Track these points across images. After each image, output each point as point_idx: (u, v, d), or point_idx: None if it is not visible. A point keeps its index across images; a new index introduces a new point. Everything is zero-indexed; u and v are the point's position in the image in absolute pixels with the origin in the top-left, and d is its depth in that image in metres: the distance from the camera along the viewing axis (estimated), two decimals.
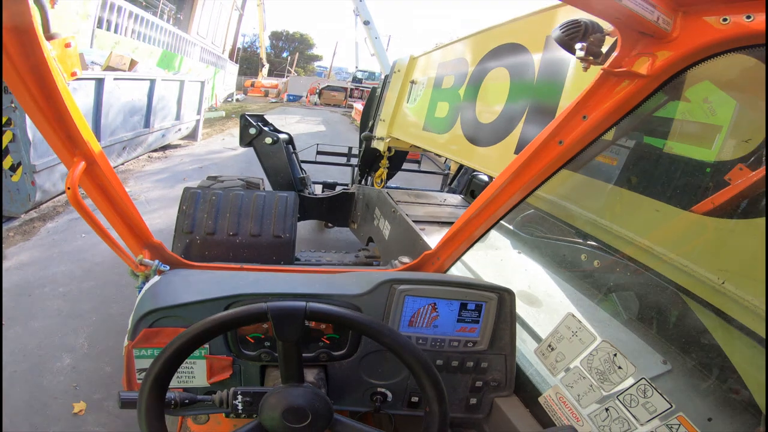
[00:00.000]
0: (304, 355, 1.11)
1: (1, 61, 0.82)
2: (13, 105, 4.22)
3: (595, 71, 0.86)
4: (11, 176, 4.53)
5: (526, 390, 1.30)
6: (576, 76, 1.53)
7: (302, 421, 0.82)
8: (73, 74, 1.02)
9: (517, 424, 1.21)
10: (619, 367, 0.99)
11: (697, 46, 0.71)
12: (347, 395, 1.24)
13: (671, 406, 0.91)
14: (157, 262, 1.36)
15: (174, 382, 1.11)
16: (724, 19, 0.66)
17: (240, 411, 0.89)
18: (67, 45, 0.95)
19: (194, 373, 1.15)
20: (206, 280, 1.26)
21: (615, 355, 1.00)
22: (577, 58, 0.81)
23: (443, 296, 1.21)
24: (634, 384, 0.95)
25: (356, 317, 0.85)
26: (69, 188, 1.04)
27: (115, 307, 3.33)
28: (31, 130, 4.39)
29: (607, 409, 1.02)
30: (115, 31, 10.73)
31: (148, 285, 1.27)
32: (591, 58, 0.80)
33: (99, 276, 3.75)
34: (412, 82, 3.19)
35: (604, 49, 0.80)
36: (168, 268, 1.38)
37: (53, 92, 0.93)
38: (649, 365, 1.14)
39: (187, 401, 0.91)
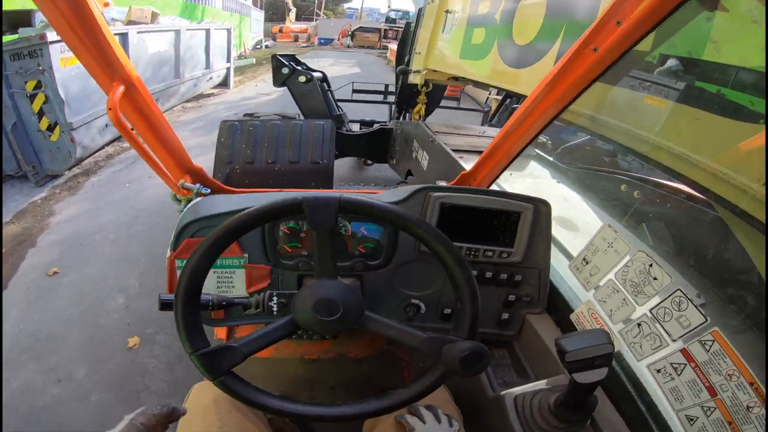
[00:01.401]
0: (340, 264, 1.12)
1: None
2: (41, 68, 4.30)
3: None
4: (50, 136, 4.69)
5: (557, 308, 1.31)
6: None
7: (333, 314, 0.80)
8: (106, 4, 1.06)
9: (548, 342, 1.23)
10: (654, 278, 0.98)
11: None
12: (382, 306, 1.28)
13: (706, 320, 0.89)
14: (198, 185, 1.42)
15: (214, 291, 1.19)
16: None
17: (275, 312, 0.92)
18: None
19: (234, 282, 1.20)
20: (245, 197, 1.31)
21: (651, 265, 0.99)
22: None
23: (477, 205, 1.21)
24: (669, 296, 0.94)
25: (388, 207, 0.82)
26: (110, 109, 1.08)
27: (162, 248, 3.44)
28: (63, 89, 4.49)
29: (639, 324, 1.02)
30: None
31: (190, 204, 1.32)
32: None
33: (145, 221, 3.94)
34: (447, 11, 3.07)
35: None
36: (209, 191, 1.44)
37: (90, 20, 0.96)
38: None
39: (224, 303, 0.95)
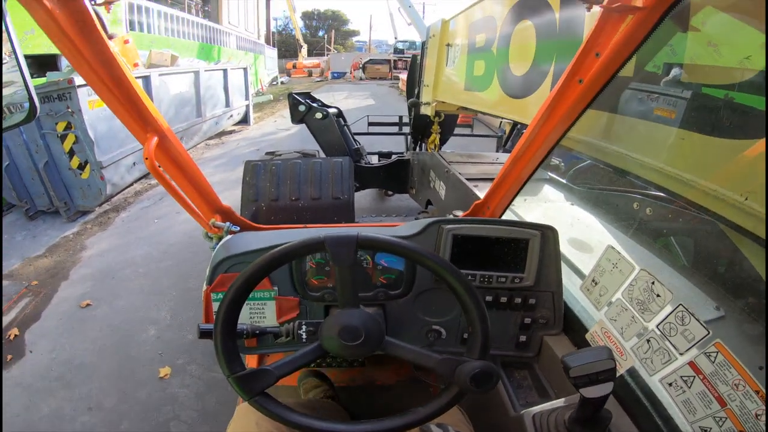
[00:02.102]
0: (362, 295, 1.21)
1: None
2: (70, 110, 4.55)
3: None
4: (81, 174, 4.94)
5: (574, 329, 1.35)
6: (591, 23, 1.51)
7: (356, 340, 0.87)
8: (135, 65, 1.20)
9: None
10: (658, 295, 1.03)
11: None
12: (404, 333, 1.35)
13: (708, 333, 0.93)
14: (228, 224, 1.52)
15: (247, 321, 1.26)
16: None
17: (304, 340, 1.01)
18: (126, 42, 1.12)
19: (265, 313, 1.29)
20: (274, 234, 1.40)
21: (653, 283, 1.04)
22: (578, 0, 0.86)
23: (487, 234, 1.28)
24: (672, 311, 0.98)
25: (401, 243, 0.90)
26: (147, 158, 1.19)
27: (192, 281, 3.59)
28: (92, 130, 4.73)
29: (648, 341, 1.06)
30: (149, 31, 11.11)
31: (221, 242, 1.42)
32: None
33: (175, 255, 4.06)
34: (448, 45, 3.19)
35: None
36: (238, 228, 1.53)
37: (123, 80, 1.07)
38: (701, 312, 1.15)
39: (257, 332, 1.03)
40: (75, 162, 4.89)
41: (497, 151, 4.89)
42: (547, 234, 1.30)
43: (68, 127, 4.69)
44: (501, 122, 6.63)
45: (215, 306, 1.26)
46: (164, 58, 7.89)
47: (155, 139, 1.21)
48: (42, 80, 4.92)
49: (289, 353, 0.93)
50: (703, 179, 1.14)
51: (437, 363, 0.90)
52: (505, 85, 2.27)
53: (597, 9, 0.89)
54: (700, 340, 0.94)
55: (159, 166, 1.25)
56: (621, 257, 1.13)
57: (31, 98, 0.89)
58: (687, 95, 1.22)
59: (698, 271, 1.31)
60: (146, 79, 6.09)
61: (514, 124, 4.36)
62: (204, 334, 0.98)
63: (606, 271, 1.18)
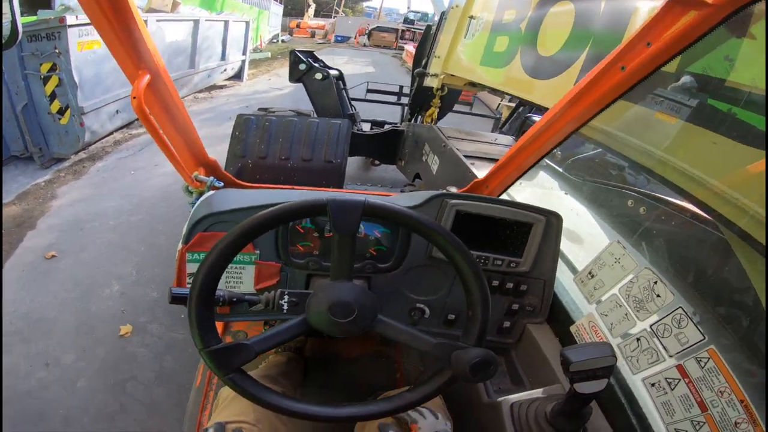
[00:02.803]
0: None
1: None
2: (57, 51, 4.31)
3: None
4: (60, 119, 4.71)
5: (558, 319, 1.34)
6: (641, 13, 1.45)
7: (348, 317, 0.81)
8: None
9: (546, 351, 1.26)
10: (658, 295, 1.01)
11: None
12: (387, 308, 1.29)
13: (704, 338, 0.92)
14: (212, 178, 1.42)
15: (222, 286, 1.21)
16: None
17: (285, 311, 0.90)
18: None
19: (242, 278, 1.20)
20: (260, 193, 1.31)
21: (656, 282, 1.02)
22: None
23: (492, 214, 1.23)
24: (670, 313, 0.97)
25: (414, 214, 0.84)
26: (134, 98, 1.07)
27: (163, 238, 3.49)
28: (77, 73, 4.50)
29: (638, 339, 1.05)
30: None
31: (203, 197, 1.32)
32: None
33: (147, 210, 3.93)
34: (471, 17, 3.07)
35: None
36: (222, 184, 1.43)
37: (123, 5, 0.95)
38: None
39: (234, 299, 0.93)
40: (55, 106, 4.65)
41: (492, 132, 4.85)
42: (552, 220, 1.26)
43: (53, 68, 4.44)
44: (499, 104, 6.59)
45: (190, 267, 1.16)
46: (165, 3, 7.46)
47: (147, 78, 1.09)
48: (32, 18, 4.61)
49: (260, 323, 0.85)
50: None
51: (433, 347, 0.85)
52: (527, 65, 2.19)
53: (649, 7, 0.86)
54: (693, 345, 0.93)
55: (147, 109, 1.14)
56: (626, 253, 1.11)
57: (14, 21, 0.82)
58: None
59: (681, 275, 1.30)
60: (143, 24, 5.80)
61: (516, 107, 4.32)
62: (177, 299, 0.87)
63: (606, 265, 1.16)
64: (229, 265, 1.09)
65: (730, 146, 1.15)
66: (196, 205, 1.27)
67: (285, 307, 0.90)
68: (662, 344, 0.99)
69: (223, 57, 8.99)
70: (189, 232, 1.14)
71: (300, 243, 1.22)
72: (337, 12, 33.66)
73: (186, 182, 1.44)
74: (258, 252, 1.18)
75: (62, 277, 2.99)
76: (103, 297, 2.82)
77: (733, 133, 1.15)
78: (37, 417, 2.04)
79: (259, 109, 3.64)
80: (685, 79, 1.28)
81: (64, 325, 2.57)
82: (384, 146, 3.99)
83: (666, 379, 0.98)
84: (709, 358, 0.90)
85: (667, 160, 1.35)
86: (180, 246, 1.15)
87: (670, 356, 0.98)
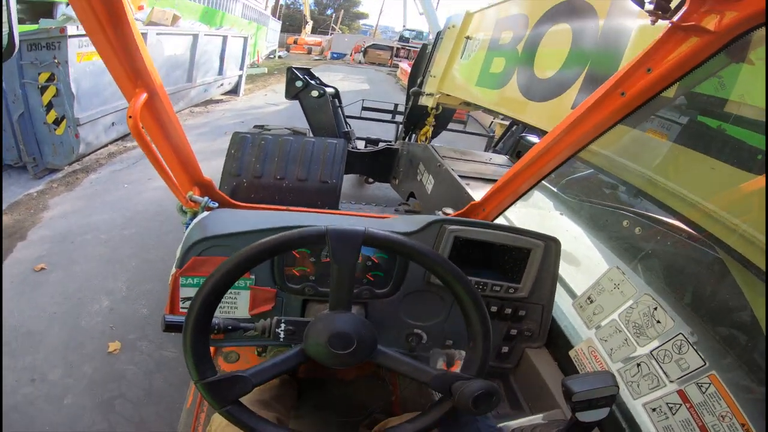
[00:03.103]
0: None
1: None
2: (56, 60, 4.29)
3: (662, 26, 0.86)
4: (55, 130, 4.67)
5: (556, 344, 1.33)
6: (640, 37, 1.48)
7: (347, 348, 0.80)
8: (140, 7, 1.06)
9: (545, 376, 1.25)
10: (658, 321, 1.01)
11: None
12: (384, 334, 1.27)
13: (705, 364, 0.92)
14: (206, 198, 1.40)
15: (216, 311, 1.17)
16: None
17: (281, 339, 0.88)
18: None
19: (237, 303, 1.17)
20: (255, 216, 1.29)
21: (656, 308, 1.02)
22: (646, 11, 0.82)
23: (490, 240, 1.22)
24: (670, 339, 0.97)
25: (416, 245, 0.83)
26: (130, 117, 1.06)
27: (155, 253, 3.42)
28: (75, 84, 4.47)
29: (638, 365, 1.04)
30: None
31: (197, 219, 1.30)
32: (659, 12, 0.82)
33: (140, 224, 3.87)
34: (468, 37, 3.12)
35: (672, 4, 0.81)
36: (216, 205, 1.42)
37: (122, 22, 0.94)
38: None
39: (230, 327, 0.90)
40: (51, 116, 4.60)
41: (485, 150, 4.88)
42: (551, 246, 1.26)
43: (51, 78, 4.39)
44: (492, 123, 6.65)
45: (183, 292, 1.13)
46: (166, 17, 7.49)
47: (144, 96, 1.08)
48: (34, 26, 4.62)
49: (253, 348, 0.81)
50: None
51: (432, 379, 0.83)
52: (523, 86, 2.21)
53: (660, 24, 0.85)
54: (694, 371, 0.93)
55: (143, 128, 1.13)
56: (625, 278, 1.11)
57: (11, 32, 0.79)
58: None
59: (676, 295, 1.31)
60: (143, 37, 5.74)
61: (509, 126, 4.36)
62: (171, 327, 0.83)
63: (605, 291, 1.15)
64: None
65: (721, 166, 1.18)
66: (189, 228, 1.25)
67: (282, 335, 0.88)
68: (663, 370, 0.99)
69: (221, 72, 9.02)
70: (183, 256, 1.12)
71: (295, 267, 1.19)
72: (333, 29, 34.10)
73: (180, 202, 1.42)
74: (253, 277, 1.16)
75: (51, 290, 2.91)
76: (92, 312, 2.75)
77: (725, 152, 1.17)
78: None
79: (255, 126, 3.62)
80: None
81: (52, 340, 2.50)
82: (378, 164, 3.99)
83: (667, 404, 0.97)
84: (710, 384, 0.90)
85: (658, 180, 1.37)
86: (174, 270, 1.13)
87: (671, 381, 0.97)
